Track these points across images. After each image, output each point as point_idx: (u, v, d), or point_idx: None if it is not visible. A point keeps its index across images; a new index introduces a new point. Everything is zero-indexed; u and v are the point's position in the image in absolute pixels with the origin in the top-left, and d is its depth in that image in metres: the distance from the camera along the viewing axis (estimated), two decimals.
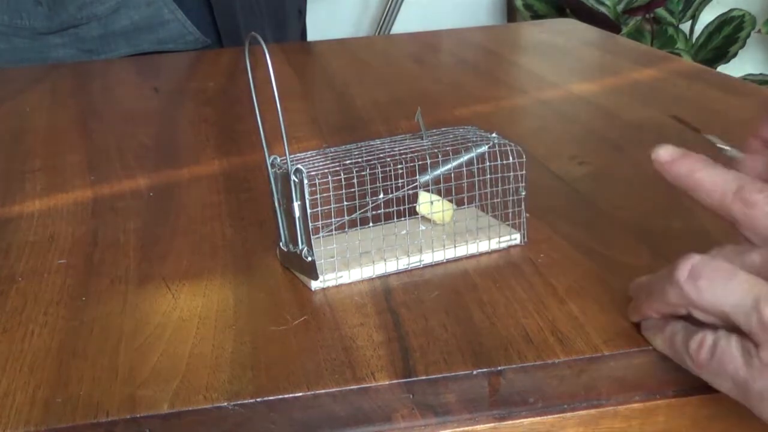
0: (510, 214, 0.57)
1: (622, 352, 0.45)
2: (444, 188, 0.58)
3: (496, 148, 0.56)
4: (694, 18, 2.43)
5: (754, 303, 0.39)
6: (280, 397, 0.43)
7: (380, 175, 0.53)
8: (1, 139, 0.86)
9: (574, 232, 0.59)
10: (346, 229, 0.56)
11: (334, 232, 0.54)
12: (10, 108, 0.97)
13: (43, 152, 0.81)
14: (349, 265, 0.53)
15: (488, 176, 0.56)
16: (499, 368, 0.44)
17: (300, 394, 0.43)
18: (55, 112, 0.94)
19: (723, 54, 2.39)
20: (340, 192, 0.52)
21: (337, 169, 0.52)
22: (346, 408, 0.44)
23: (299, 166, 0.50)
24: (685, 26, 2.44)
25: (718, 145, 0.51)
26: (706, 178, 0.45)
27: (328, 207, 0.52)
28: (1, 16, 1.18)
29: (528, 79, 1.02)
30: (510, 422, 0.45)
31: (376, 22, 2.50)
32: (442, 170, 0.56)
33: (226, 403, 0.43)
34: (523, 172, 0.56)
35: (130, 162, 0.77)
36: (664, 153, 0.46)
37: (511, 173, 0.56)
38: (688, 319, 0.43)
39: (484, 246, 0.56)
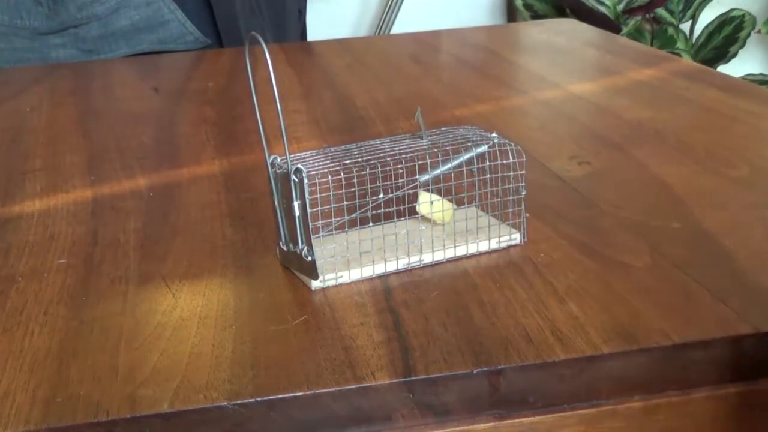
0: (510, 214, 0.57)
1: (622, 352, 0.45)
2: (444, 188, 0.58)
3: (496, 148, 0.56)
4: (694, 18, 2.43)
5: None
6: (280, 396, 0.43)
7: (380, 175, 0.53)
8: (1, 140, 0.86)
9: (574, 231, 0.59)
10: (346, 229, 0.56)
11: (334, 231, 0.55)
12: (10, 108, 0.97)
13: (43, 152, 0.81)
14: (349, 265, 0.53)
15: (488, 176, 0.56)
16: (499, 368, 0.44)
17: (300, 393, 0.43)
18: (55, 112, 0.94)
19: (723, 54, 2.39)
20: (340, 192, 0.52)
21: (337, 168, 0.52)
22: (346, 407, 0.44)
23: (299, 165, 0.50)
24: (685, 26, 2.44)
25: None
26: None
27: (328, 207, 0.52)
28: (1, 16, 1.18)
29: (528, 79, 1.02)
30: (510, 422, 0.45)
31: (376, 22, 2.50)
32: (442, 170, 0.56)
33: (226, 403, 0.43)
34: (523, 171, 0.56)
35: (130, 162, 0.77)
36: None
37: (511, 173, 0.56)
38: None
39: (484, 246, 0.56)
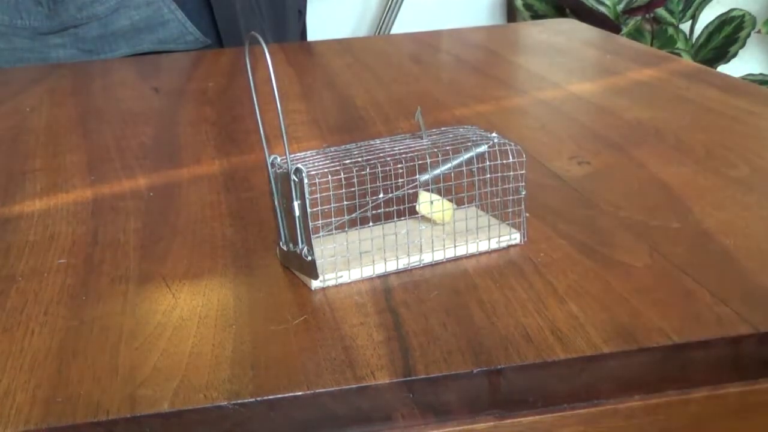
0: (510, 214, 0.57)
1: (622, 351, 0.45)
2: (444, 188, 0.58)
3: (496, 148, 0.56)
4: (694, 18, 2.43)
5: None
6: (280, 396, 0.43)
7: (380, 175, 0.53)
8: (1, 139, 0.86)
9: (574, 231, 0.59)
10: (346, 229, 0.56)
11: (334, 231, 0.55)
12: (10, 108, 0.97)
13: (43, 152, 0.81)
14: (349, 265, 0.53)
15: (488, 176, 0.56)
16: (499, 367, 0.44)
17: (300, 393, 0.43)
18: (55, 112, 0.94)
19: (723, 54, 2.39)
20: (340, 191, 0.52)
21: (337, 168, 0.52)
22: (346, 407, 0.44)
23: (299, 165, 0.50)
24: (685, 26, 2.44)
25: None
26: None
27: (328, 206, 0.52)
28: (2, 16, 1.18)
29: (528, 79, 1.02)
30: (510, 421, 0.45)
31: (376, 22, 2.50)
32: (442, 170, 0.56)
33: (226, 403, 0.43)
34: (523, 171, 0.56)
35: (130, 162, 0.77)
36: None
37: (511, 173, 0.56)
38: None
39: (484, 245, 0.56)
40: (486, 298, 0.51)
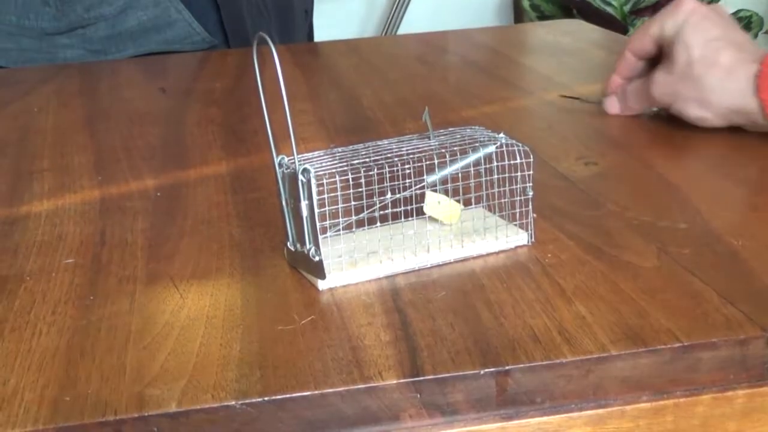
0: (517, 214, 0.57)
1: (630, 352, 0.45)
2: (451, 188, 0.58)
3: (503, 148, 0.56)
4: None
5: None
6: (288, 396, 0.43)
7: (387, 175, 0.53)
8: (9, 139, 0.86)
9: (581, 232, 0.59)
10: (354, 229, 0.56)
11: (341, 231, 0.55)
12: (18, 108, 0.98)
13: (50, 152, 0.81)
14: (356, 265, 0.53)
15: (495, 176, 0.56)
16: (507, 368, 0.44)
17: (308, 393, 0.43)
18: (63, 113, 0.95)
19: None
20: (348, 192, 0.52)
21: (345, 168, 0.52)
22: (354, 407, 0.44)
23: (307, 166, 0.50)
24: None
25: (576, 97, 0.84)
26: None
27: (336, 207, 0.52)
28: (9, 16, 1.19)
29: (535, 80, 1.02)
30: (517, 422, 0.45)
31: (383, 22, 2.50)
32: (449, 170, 0.56)
33: (234, 402, 0.43)
34: (530, 172, 0.56)
35: (137, 162, 0.77)
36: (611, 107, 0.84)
37: (518, 173, 0.56)
38: None
39: (491, 246, 0.56)
40: (493, 298, 0.51)
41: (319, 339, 0.47)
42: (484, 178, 0.57)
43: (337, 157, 0.53)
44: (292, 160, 0.51)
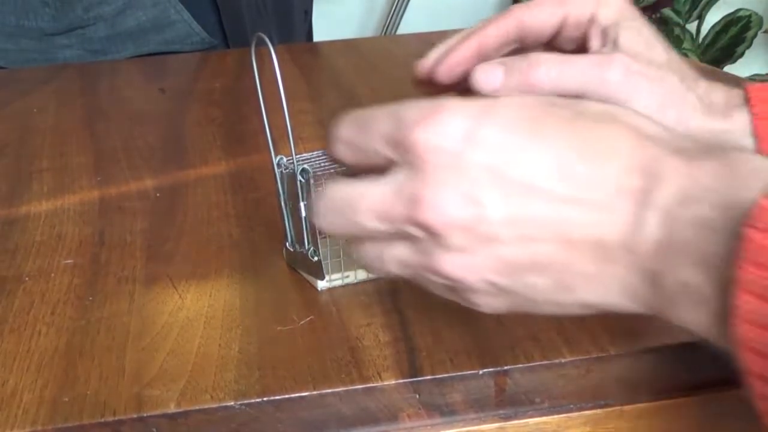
0: None
1: (629, 352, 0.45)
2: None
3: None
4: (701, 18, 2.42)
5: None
6: (287, 396, 0.43)
7: None
8: (8, 140, 0.86)
9: None
10: None
11: None
12: (17, 108, 0.97)
13: (49, 152, 0.81)
14: (355, 265, 0.53)
15: None
16: (506, 368, 0.44)
17: (306, 393, 0.43)
18: (62, 113, 0.95)
19: (730, 54, 2.38)
20: None
21: (344, 168, 0.52)
22: (353, 407, 0.44)
23: (306, 166, 0.50)
24: (692, 26, 2.43)
25: None
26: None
27: None
28: (8, 17, 1.19)
29: None
30: (516, 422, 0.45)
31: (382, 22, 2.50)
32: None
33: (232, 403, 0.43)
34: None
35: (136, 162, 0.77)
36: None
37: None
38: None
39: None
40: None
41: (318, 339, 0.47)
42: None
43: None
44: (291, 161, 0.51)
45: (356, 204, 0.39)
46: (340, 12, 2.48)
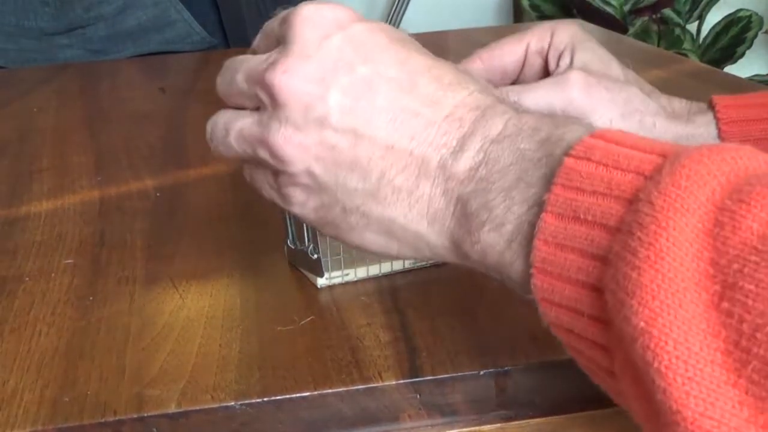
0: None
1: None
2: None
3: None
4: (701, 18, 2.42)
5: None
6: (287, 396, 0.43)
7: None
8: (8, 140, 0.86)
9: None
10: None
11: None
12: (18, 108, 0.97)
13: (50, 152, 0.81)
14: (355, 263, 0.53)
15: None
16: (506, 368, 0.44)
17: (307, 393, 0.43)
18: (62, 113, 0.94)
19: (730, 54, 2.38)
20: None
21: None
22: (353, 408, 0.44)
23: None
24: (692, 27, 2.43)
25: None
26: None
27: None
28: (9, 16, 1.19)
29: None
30: (516, 422, 0.45)
31: (382, 22, 2.50)
32: None
33: (233, 403, 0.43)
34: None
35: (137, 162, 0.77)
36: None
37: None
38: None
39: None
40: (492, 298, 0.51)
41: (319, 339, 0.47)
42: None
43: None
44: None
45: (236, 66, 0.46)
46: None
